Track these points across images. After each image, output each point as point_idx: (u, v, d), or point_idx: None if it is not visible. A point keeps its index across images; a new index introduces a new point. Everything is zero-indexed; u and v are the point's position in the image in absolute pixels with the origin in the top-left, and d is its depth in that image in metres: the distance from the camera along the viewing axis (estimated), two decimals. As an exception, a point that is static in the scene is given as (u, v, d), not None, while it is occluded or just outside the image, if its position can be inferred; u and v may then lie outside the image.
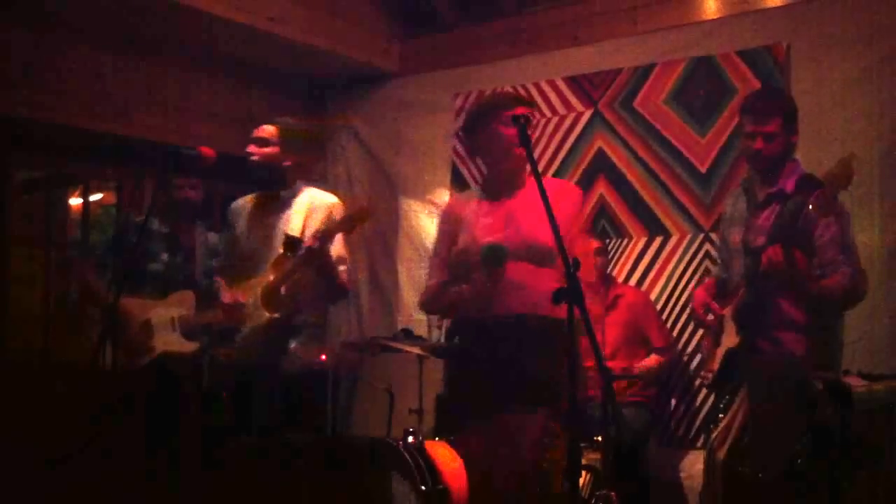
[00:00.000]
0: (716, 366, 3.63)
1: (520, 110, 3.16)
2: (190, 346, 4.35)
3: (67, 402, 4.44)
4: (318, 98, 6.53)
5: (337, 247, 3.78)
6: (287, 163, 3.85)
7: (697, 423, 4.86)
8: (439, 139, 5.97)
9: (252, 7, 5.18)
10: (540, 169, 5.39)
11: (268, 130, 3.84)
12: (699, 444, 4.75)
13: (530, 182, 3.22)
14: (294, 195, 3.86)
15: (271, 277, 3.66)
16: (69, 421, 4.23)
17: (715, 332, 3.66)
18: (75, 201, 5.77)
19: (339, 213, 3.78)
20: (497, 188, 3.31)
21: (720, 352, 3.62)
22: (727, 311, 3.59)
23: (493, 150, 3.27)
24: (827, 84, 4.65)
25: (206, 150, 3.73)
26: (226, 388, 3.90)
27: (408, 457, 4.18)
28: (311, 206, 3.80)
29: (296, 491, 3.74)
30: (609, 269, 5.07)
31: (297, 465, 3.74)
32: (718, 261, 3.92)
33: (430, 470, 4.14)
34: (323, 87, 6.50)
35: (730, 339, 3.57)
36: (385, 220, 6.22)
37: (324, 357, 5.72)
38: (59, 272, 5.34)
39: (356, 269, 6.35)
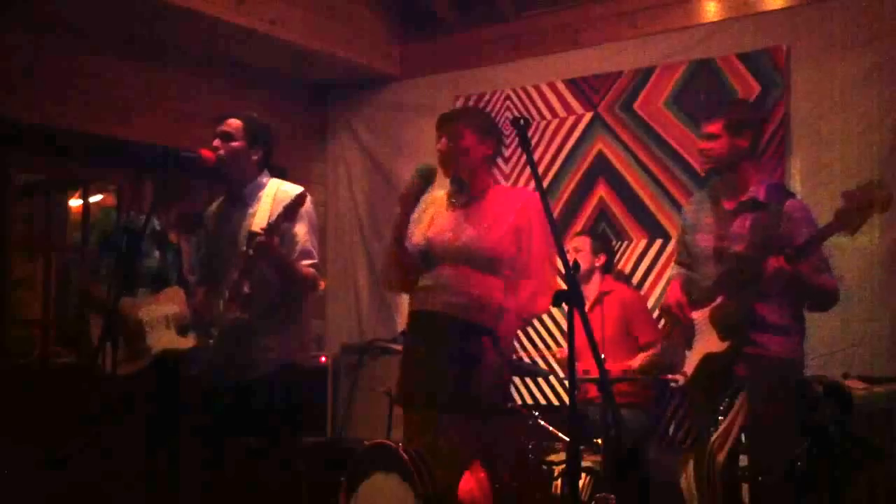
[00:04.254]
0: (689, 369, 3.64)
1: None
2: (187, 343, 4.33)
3: (67, 404, 4.44)
4: (319, 101, 6.54)
5: (302, 240, 3.75)
6: (254, 157, 3.82)
7: (687, 425, 4.85)
8: (439, 142, 5.97)
9: (253, 10, 5.19)
10: (540, 171, 5.41)
11: (233, 125, 3.79)
12: (688, 447, 4.73)
13: (492, 192, 3.52)
14: (260, 189, 3.79)
15: (236, 276, 3.64)
16: (69, 423, 4.22)
17: (686, 335, 3.69)
18: (75, 203, 5.77)
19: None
20: (459, 196, 3.54)
21: (694, 355, 3.64)
22: (701, 315, 3.61)
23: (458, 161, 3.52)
24: (827, 86, 4.66)
25: (206, 153, 3.73)
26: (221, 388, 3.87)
27: (408, 459, 4.18)
28: (276, 200, 3.70)
29: (295, 491, 3.74)
30: (607, 267, 5.02)
31: (298, 465, 3.74)
32: (683, 264, 3.94)
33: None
34: (323, 90, 6.51)
35: (707, 344, 3.57)
36: (384, 223, 6.23)
37: (323, 359, 5.75)
38: (59, 274, 5.34)
39: (356, 269, 6.37)
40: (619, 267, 5.19)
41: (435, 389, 3.34)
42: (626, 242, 5.24)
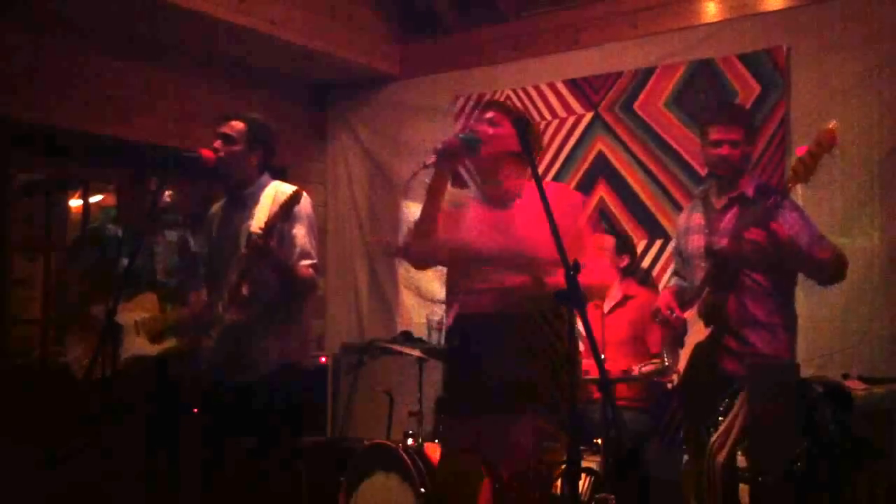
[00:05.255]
0: (681, 368, 3.69)
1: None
2: (156, 349, 4.31)
3: (67, 404, 4.44)
4: (319, 101, 6.54)
5: (300, 241, 3.74)
6: (254, 159, 3.82)
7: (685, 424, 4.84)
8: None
9: (253, 10, 5.19)
10: (540, 171, 5.40)
11: (235, 127, 3.78)
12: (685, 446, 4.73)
13: (528, 190, 3.25)
14: (259, 191, 3.79)
15: (235, 277, 3.64)
16: (69, 423, 4.22)
17: (675, 336, 3.75)
18: (75, 203, 5.77)
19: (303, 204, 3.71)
20: (495, 196, 3.31)
21: (685, 350, 3.70)
22: (689, 315, 3.68)
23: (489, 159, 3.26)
24: (827, 87, 4.66)
25: (206, 153, 3.73)
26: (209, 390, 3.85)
27: (407, 459, 4.18)
28: (274, 201, 3.69)
29: (295, 491, 3.74)
30: (630, 268, 4.98)
31: (298, 465, 3.74)
32: (678, 274, 3.99)
33: (430, 472, 4.14)
34: (323, 90, 6.51)
35: (696, 336, 3.64)
36: (385, 223, 6.23)
37: (323, 359, 5.75)
38: (58, 274, 5.34)
39: (356, 269, 6.37)
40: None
41: (507, 391, 3.14)
42: (626, 242, 5.24)
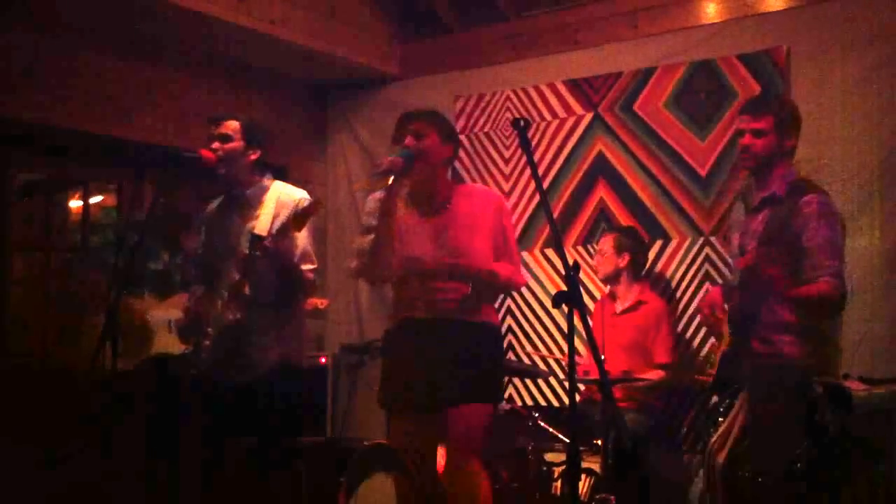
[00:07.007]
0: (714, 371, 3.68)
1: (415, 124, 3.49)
2: (181, 347, 4.33)
3: (67, 404, 4.44)
4: (319, 101, 6.53)
5: (303, 243, 3.75)
6: (251, 158, 3.83)
7: (698, 426, 4.85)
8: (439, 142, 5.97)
9: (253, 9, 5.19)
10: (540, 172, 5.41)
11: (231, 126, 3.81)
12: (699, 448, 4.74)
13: (456, 199, 3.50)
14: (262, 192, 3.82)
15: (236, 277, 3.65)
16: (69, 423, 4.23)
17: (719, 334, 3.71)
18: (75, 203, 5.77)
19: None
20: (427, 205, 3.50)
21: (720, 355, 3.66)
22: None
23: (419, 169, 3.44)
24: (827, 87, 4.66)
25: (206, 153, 3.74)
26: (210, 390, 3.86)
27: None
28: (279, 203, 3.75)
29: (295, 491, 3.74)
30: (637, 267, 4.91)
31: (298, 465, 3.75)
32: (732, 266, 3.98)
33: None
34: (323, 90, 6.50)
35: (726, 342, 3.60)
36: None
37: (323, 359, 5.75)
38: (59, 274, 5.34)
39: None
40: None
41: (437, 391, 3.35)
42: (626, 243, 5.22)
